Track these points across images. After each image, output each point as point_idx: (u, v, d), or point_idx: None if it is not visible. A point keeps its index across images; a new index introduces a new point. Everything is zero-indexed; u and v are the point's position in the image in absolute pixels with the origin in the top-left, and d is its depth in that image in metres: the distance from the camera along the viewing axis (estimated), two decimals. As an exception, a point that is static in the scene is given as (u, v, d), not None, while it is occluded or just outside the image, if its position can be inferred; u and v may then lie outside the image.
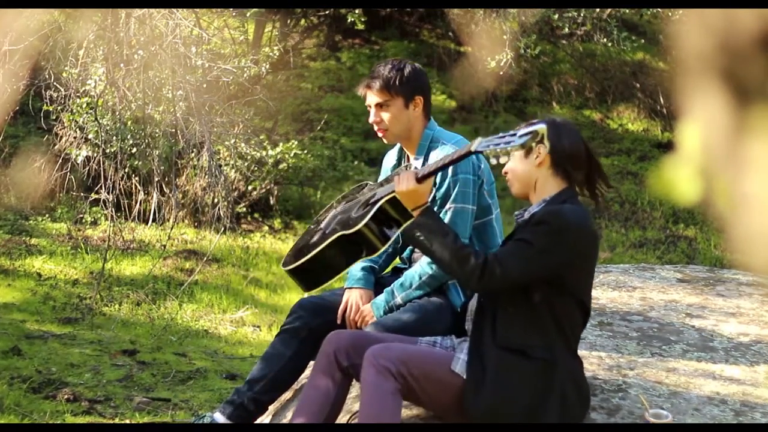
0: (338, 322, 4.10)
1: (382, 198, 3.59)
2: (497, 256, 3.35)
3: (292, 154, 9.33)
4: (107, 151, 6.81)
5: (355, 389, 3.79)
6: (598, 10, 10.12)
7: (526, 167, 3.49)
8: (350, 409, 3.86)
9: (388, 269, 4.35)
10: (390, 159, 4.26)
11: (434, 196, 4.01)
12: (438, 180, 3.98)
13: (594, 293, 4.80)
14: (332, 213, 3.95)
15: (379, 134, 4.05)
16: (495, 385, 3.37)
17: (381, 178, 4.28)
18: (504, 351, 3.39)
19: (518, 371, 3.37)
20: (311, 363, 4.24)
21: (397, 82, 3.99)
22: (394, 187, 3.53)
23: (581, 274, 3.41)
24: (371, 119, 4.03)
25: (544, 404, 3.37)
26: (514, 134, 3.23)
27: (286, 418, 4.17)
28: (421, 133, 4.06)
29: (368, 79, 4.04)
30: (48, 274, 7.60)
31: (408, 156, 4.16)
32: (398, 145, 4.19)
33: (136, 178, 8.55)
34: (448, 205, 3.97)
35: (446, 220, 3.95)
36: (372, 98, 4.01)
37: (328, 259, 3.67)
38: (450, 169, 3.95)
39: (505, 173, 3.54)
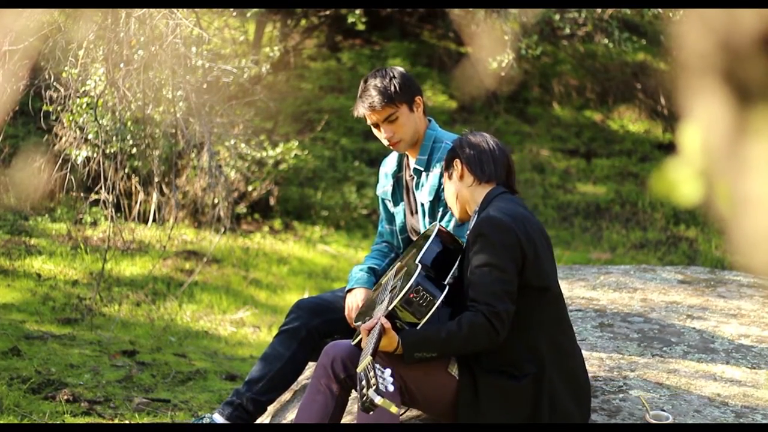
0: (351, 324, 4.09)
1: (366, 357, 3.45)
2: (483, 300, 3.31)
3: (292, 155, 9.32)
4: (107, 151, 6.80)
5: (354, 393, 3.78)
6: (599, 10, 10.11)
7: (452, 187, 3.62)
8: (350, 410, 3.86)
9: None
10: (389, 165, 4.24)
11: (438, 197, 4.01)
12: (443, 181, 3.98)
13: (594, 294, 4.79)
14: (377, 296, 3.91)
15: (392, 147, 4.02)
16: (486, 410, 3.39)
17: (379, 185, 4.27)
18: (491, 374, 3.40)
19: (506, 393, 3.39)
20: (311, 364, 4.24)
21: (396, 91, 3.96)
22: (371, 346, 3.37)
23: (537, 260, 3.41)
24: (384, 136, 3.95)
25: (535, 415, 3.39)
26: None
27: (286, 418, 4.16)
28: (423, 134, 4.06)
29: (366, 101, 3.94)
30: (48, 274, 7.59)
31: (406, 168, 4.15)
32: (397, 150, 4.19)
33: (136, 179, 8.55)
34: (453, 207, 3.97)
35: (452, 221, 3.96)
36: (377, 116, 3.95)
37: None
38: None
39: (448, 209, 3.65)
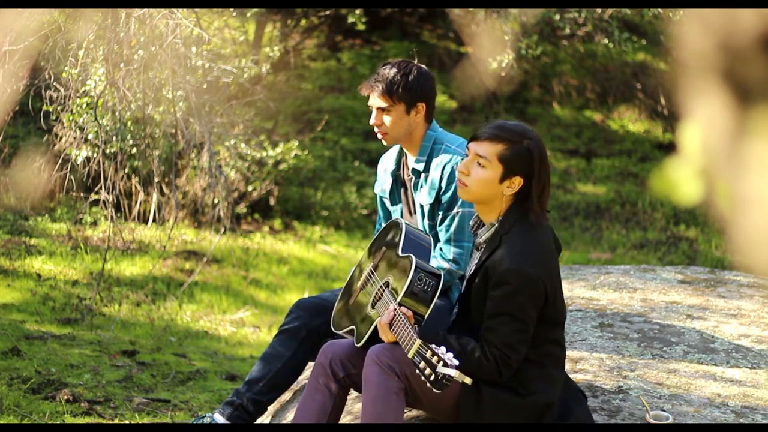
0: None
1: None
2: (497, 347, 3.31)
3: (292, 155, 9.32)
4: (107, 151, 6.80)
5: (353, 392, 3.77)
6: (599, 10, 10.11)
7: (491, 189, 3.38)
8: (350, 410, 3.86)
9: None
10: (388, 163, 4.24)
11: (439, 200, 4.00)
12: (444, 184, 3.97)
13: (594, 294, 4.79)
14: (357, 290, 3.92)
15: (378, 136, 4.05)
16: (488, 421, 3.39)
17: (377, 183, 4.27)
18: (495, 387, 3.39)
19: (511, 408, 3.39)
20: (311, 363, 4.24)
21: (400, 89, 3.96)
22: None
23: (557, 298, 3.41)
24: (372, 121, 4.03)
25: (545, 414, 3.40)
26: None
27: (286, 418, 4.16)
28: (423, 136, 4.05)
29: (372, 81, 4.00)
30: (47, 274, 7.59)
31: (405, 167, 4.15)
32: (397, 148, 4.18)
33: (136, 179, 8.54)
34: (455, 210, 3.96)
35: (453, 224, 3.95)
36: (374, 101, 4.00)
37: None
38: (456, 173, 3.95)
39: (463, 174, 3.39)
